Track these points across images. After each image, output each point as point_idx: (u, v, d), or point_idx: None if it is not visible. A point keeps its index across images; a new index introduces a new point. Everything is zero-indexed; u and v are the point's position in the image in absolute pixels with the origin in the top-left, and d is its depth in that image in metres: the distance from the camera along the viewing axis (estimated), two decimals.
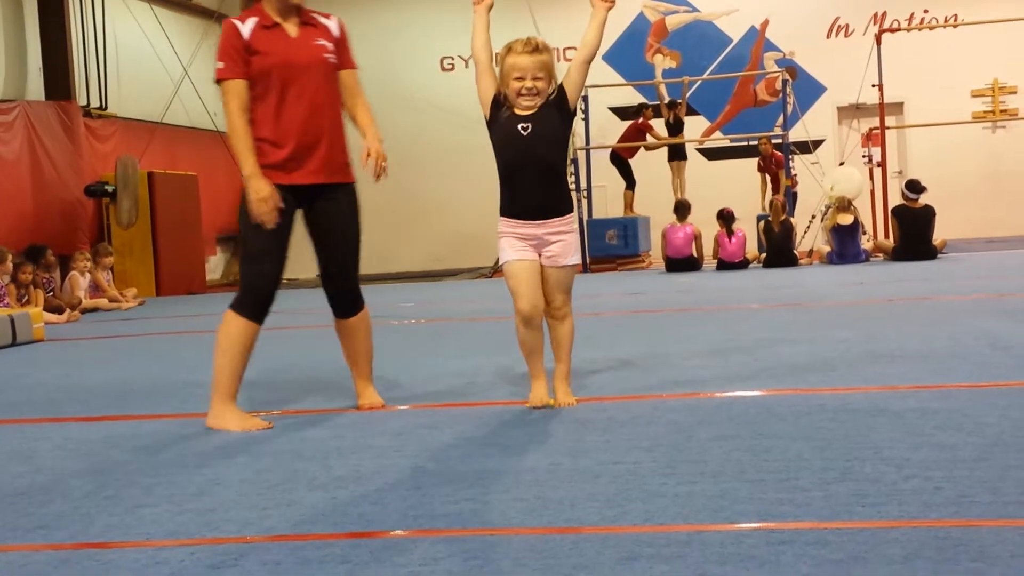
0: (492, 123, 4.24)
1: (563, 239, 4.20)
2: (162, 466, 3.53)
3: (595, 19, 4.28)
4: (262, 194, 4.17)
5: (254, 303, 4.32)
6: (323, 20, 4.48)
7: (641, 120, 16.82)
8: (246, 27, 4.29)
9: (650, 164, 17.48)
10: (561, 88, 4.20)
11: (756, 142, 17.23)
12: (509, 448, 3.48)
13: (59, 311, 11.61)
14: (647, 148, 17.05)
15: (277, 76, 4.29)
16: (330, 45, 4.42)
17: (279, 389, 5.25)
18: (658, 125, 17.07)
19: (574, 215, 4.32)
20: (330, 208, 4.42)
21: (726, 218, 13.97)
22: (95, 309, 12.79)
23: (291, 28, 4.36)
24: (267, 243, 4.28)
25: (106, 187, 15.35)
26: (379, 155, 4.49)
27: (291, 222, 4.35)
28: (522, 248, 4.17)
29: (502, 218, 4.23)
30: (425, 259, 19.62)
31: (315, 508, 2.86)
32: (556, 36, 18.74)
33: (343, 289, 4.49)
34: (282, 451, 3.67)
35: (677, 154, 16.95)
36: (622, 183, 17.01)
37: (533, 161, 4.16)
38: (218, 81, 4.31)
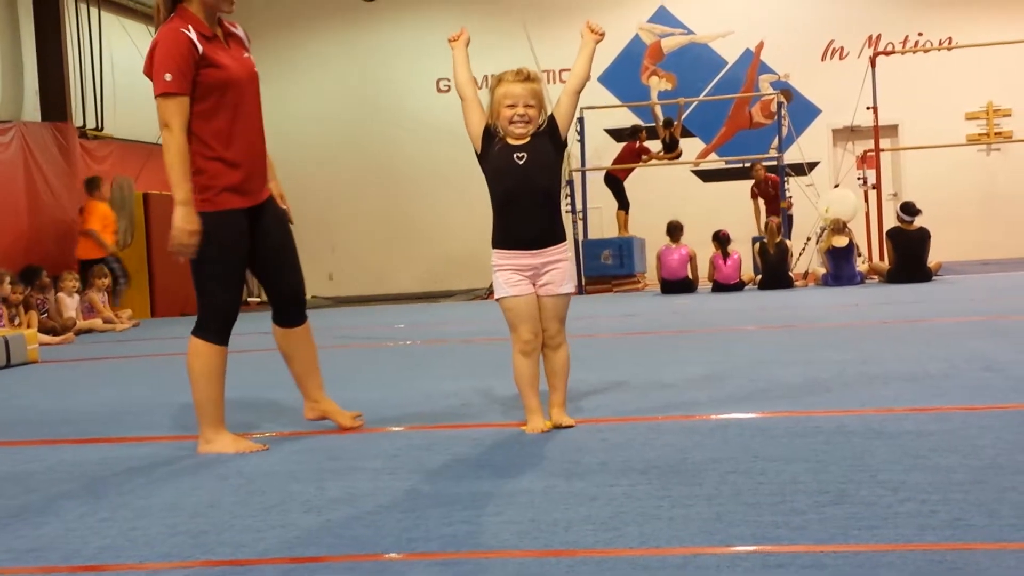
0: (484, 156, 4.25)
1: (558, 267, 4.21)
2: (156, 488, 3.52)
3: (584, 50, 4.33)
4: (195, 226, 4.03)
5: (221, 327, 4.23)
6: (235, 29, 4.33)
7: (638, 144, 16.87)
8: (193, 36, 4.03)
9: (646, 185, 17.54)
10: (552, 118, 4.22)
11: (748, 164, 17.29)
12: (504, 470, 3.48)
13: (53, 333, 11.60)
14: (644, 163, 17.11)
15: (232, 92, 4.13)
16: (252, 57, 4.32)
17: (271, 411, 5.23)
18: (654, 147, 17.15)
19: (568, 243, 4.33)
20: (273, 222, 4.36)
21: (722, 240, 14.00)
22: (89, 331, 12.78)
23: (222, 39, 4.19)
24: (231, 267, 4.22)
25: None
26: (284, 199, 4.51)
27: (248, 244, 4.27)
28: (519, 282, 4.17)
29: (497, 250, 4.22)
30: (420, 280, 19.64)
31: (309, 530, 2.85)
32: (553, 59, 18.84)
33: (300, 296, 4.49)
34: (276, 473, 3.66)
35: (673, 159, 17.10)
36: (616, 204, 17.05)
37: (530, 189, 4.16)
38: (164, 94, 4.03)
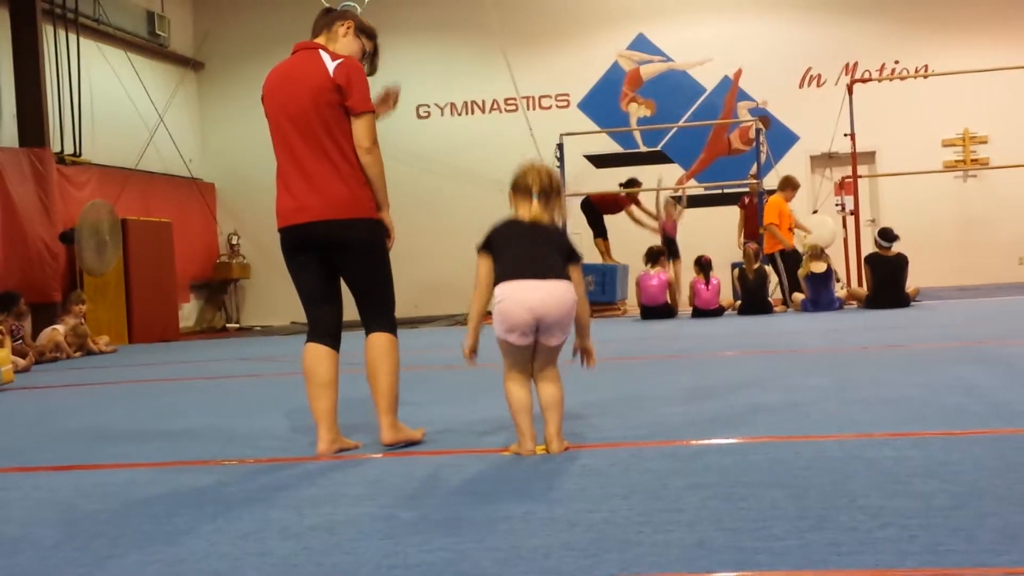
0: None
1: None
2: (132, 516, 3.49)
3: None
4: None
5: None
6: None
7: (625, 196, 16.80)
8: None
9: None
10: None
11: (741, 192, 17.33)
12: (484, 496, 3.46)
13: (23, 358, 11.50)
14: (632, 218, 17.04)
15: None
16: None
17: (252, 436, 5.20)
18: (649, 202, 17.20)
19: None
20: None
21: (703, 265, 14.02)
22: (54, 359, 12.71)
23: None
24: None
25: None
26: None
27: None
28: None
29: None
30: (401, 306, 19.49)
31: (287, 558, 2.82)
32: (529, 84, 18.93)
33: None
34: (254, 500, 3.63)
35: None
36: (591, 228, 17.06)
37: None
38: (374, 113, 4.55)
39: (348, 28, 4.76)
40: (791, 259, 14.42)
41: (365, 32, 4.82)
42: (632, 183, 16.86)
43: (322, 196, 4.48)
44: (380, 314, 4.69)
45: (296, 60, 4.69)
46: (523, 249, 4.20)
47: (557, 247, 4.25)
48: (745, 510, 3.04)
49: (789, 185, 15.04)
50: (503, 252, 4.21)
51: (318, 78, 4.52)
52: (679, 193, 17.62)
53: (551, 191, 4.29)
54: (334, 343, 4.68)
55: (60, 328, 13.22)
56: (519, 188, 4.29)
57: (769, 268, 14.48)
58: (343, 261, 4.60)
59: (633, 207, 16.86)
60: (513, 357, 4.23)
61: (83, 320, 13.95)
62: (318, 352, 4.63)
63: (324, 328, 4.66)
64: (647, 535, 2.83)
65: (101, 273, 15.43)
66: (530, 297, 4.10)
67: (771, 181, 16.67)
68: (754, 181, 16.50)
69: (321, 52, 4.61)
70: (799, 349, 8.57)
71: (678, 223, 16.87)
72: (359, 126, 4.50)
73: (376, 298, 4.68)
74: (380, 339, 4.63)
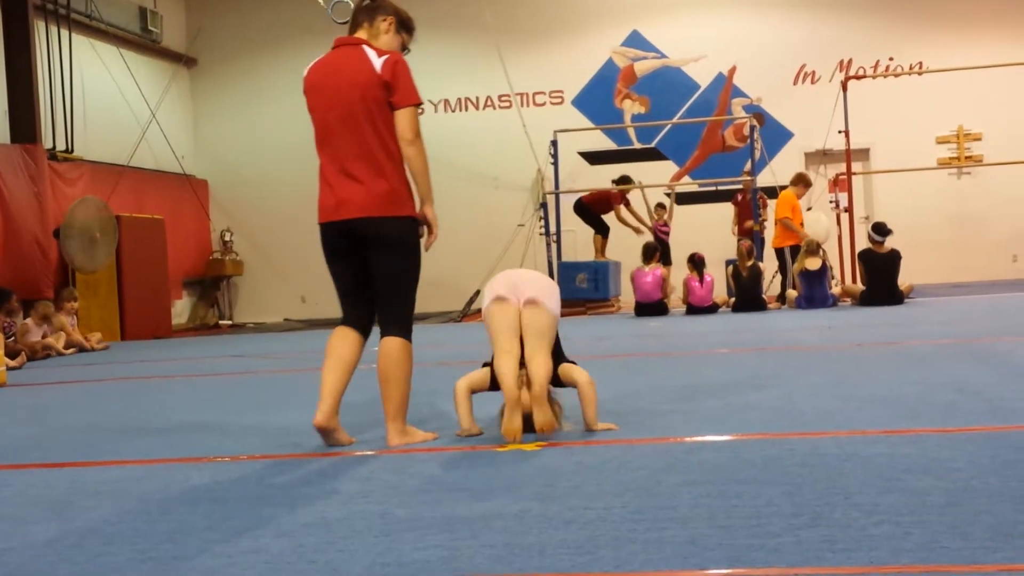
0: None
1: None
2: (126, 513, 3.48)
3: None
4: None
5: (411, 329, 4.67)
6: None
7: (616, 192, 16.73)
8: None
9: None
10: None
11: (735, 189, 17.32)
12: (478, 493, 3.46)
13: (15, 356, 11.48)
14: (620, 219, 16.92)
15: None
16: None
17: (246, 433, 5.20)
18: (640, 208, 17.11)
19: None
20: None
21: (697, 263, 14.01)
22: (46, 356, 12.67)
23: None
24: None
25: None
26: None
27: None
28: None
29: None
30: None
31: (281, 556, 2.82)
32: (523, 81, 18.92)
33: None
34: (248, 497, 3.62)
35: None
36: (591, 227, 17.01)
37: None
38: (419, 106, 4.57)
39: (390, 24, 4.73)
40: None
41: (405, 27, 4.81)
42: (625, 180, 16.81)
43: (361, 193, 4.49)
44: (396, 316, 4.61)
45: (339, 55, 4.66)
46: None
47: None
48: (739, 507, 3.04)
49: (802, 181, 15.03)
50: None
51: (365, 74, 4.50)
52: (670, 191, 17.59)
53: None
54: (363, 331, 4.69)
55: (30, 322, 13.08)
56: None
57: (763, 265, 14.46)
58: (372, 256, 4.58)
59: (621, 207, 16.79)
60: (499, 332, 4.51)
61: (75, 317, 13.91)
62: (345, 332, 4.67)
63: (356, 318, 4.69)
64: (641, 532, 2.83)
65: (93, 271, 15.39)
66: (514, 275, 4.69)
67: (765, 178, 16.68)
68: (748, 178, 16.51)
69: (366, 48, 4.58)
70: (793, 346, 8.57)
71: (669, 223, 16.87)
72: (403, 118, 4.49)
73: (394, 298, 4.61)
74: (394, 344, 4.56)
